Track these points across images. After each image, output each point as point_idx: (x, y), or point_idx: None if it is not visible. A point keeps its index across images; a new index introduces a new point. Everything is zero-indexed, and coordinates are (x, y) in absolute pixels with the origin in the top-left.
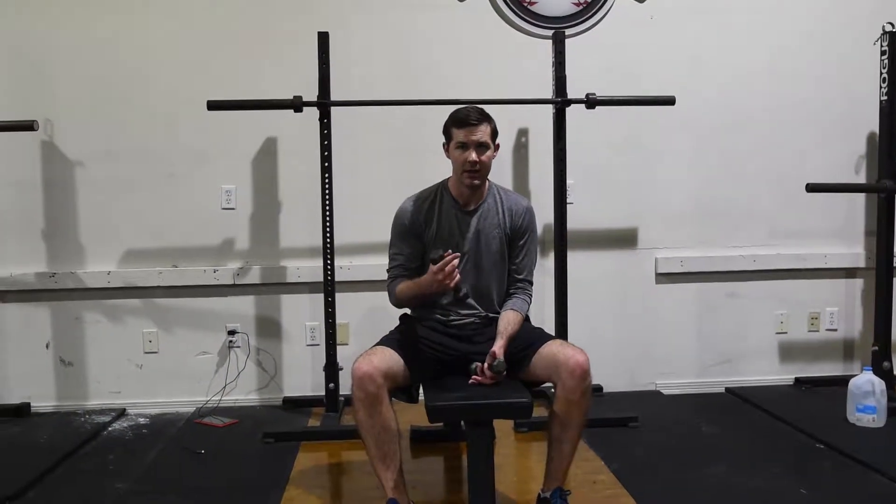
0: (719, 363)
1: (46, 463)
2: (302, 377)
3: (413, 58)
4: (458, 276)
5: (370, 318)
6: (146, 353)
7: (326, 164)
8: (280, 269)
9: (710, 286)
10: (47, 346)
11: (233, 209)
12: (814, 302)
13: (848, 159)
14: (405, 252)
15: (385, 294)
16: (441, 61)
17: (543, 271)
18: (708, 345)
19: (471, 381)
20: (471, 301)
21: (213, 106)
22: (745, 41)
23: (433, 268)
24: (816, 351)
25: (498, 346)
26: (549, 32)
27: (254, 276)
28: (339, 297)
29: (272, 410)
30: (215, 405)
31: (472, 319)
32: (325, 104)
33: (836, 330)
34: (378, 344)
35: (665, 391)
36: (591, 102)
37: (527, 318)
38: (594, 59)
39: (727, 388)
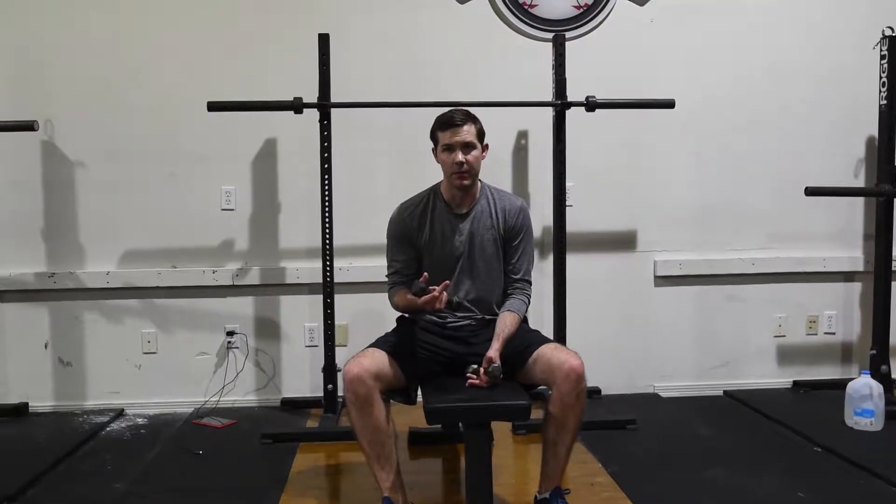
0: (718, 366)
1: (44, 463)
2: (300, 378)
3: (413, 60)
4: (446, 296)
5: (369, 319)
6: (145, 353)
7: (326, 166)
8: (279, 270)
9: (708, 289)
10: (46, 346)
11: (232, 210)
12: (812, 305)
13: (847, 163)
14: (400, 259)
15: (384, 295)
16: (441, 63)
17: (542, 273)
18: (706, 348)
19: (467, 382)
20: (467, 304)
21: (214, 107)
22: (744, 45)
23: (421, 300)
24: (815, 354)
25: (494, 350)
26: (550, 35)
27: (253, 277)
28: (338, 299)
29: (270, 411)
30: (214, 406)
31: (468, 322)
32: (325, 106)
33: (834, 333)
34: (371, 346)
35: (663, 394)
36: (590, 105)
37: (525, 319)
38: (594, 62)
39: (725, 391)
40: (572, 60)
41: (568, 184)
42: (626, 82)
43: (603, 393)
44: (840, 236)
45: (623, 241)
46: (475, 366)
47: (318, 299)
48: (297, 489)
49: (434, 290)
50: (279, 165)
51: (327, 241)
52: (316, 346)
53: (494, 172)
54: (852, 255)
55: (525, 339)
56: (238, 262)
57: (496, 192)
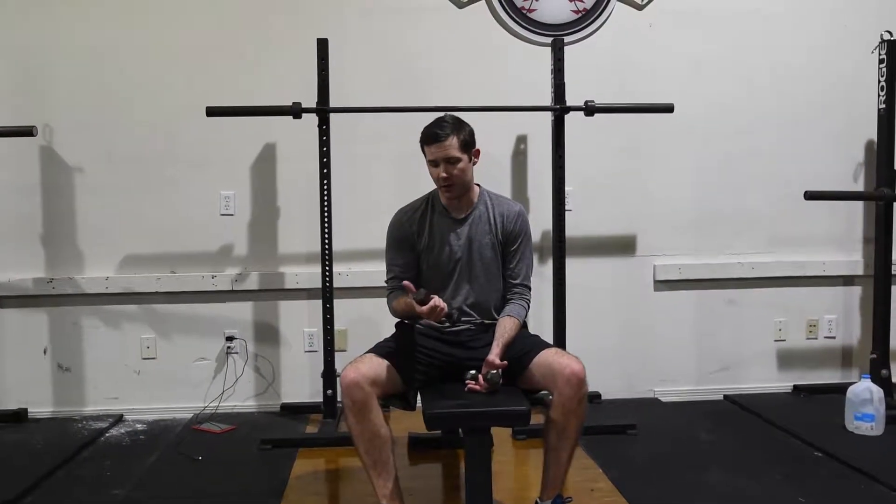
0: (718, 370)
1: (43, 469)
2: (300, 383)
3: (412, 65)
4: (446, 307)
5: (368, 324)
6: (144, 358)
7: (325, 171)
8: (278, 276)
9: (708, 293)
10: (45, 352)
11: (231, 215)
12: (812, 309)
13: (847, 167)
14: (399, 263)
15: (384, 301)
16: (440, 68)
17: (542, 278)
18: (706, 352)
19: (467, 388)
20: (465, 309)
21: (212, 112)
22: (743, 49)
23: (421, 310)
24: (815, 358)
25: (493, 355)
26: (549, 40)
27: (252, 283)
28: (338, 304)
29: (270, 417)
30: (213, 411)
31: (467, 327)
32: (324, 111)
33: (834, 337)
34: (369, 351)
35: (663, 398)
36: (589, 110)
37: (525, 324)
38: (593, 67)
39: (725, 396)
40: (571, 65)
41: (567, 188)
42: (624, 87)
43: (603, 398)
44: (840, 240)
45: (622, 246)
46: (474, 371)
47: (318, 304)
48: (296, 495)
49: (434, 298)
50: (278, 170)
51: (326, 246)
52: (315, 351)
53: (493, 177)
54: (852, 259)
55: (525, 344)
56: (237, 268)
57: (494, 197)
